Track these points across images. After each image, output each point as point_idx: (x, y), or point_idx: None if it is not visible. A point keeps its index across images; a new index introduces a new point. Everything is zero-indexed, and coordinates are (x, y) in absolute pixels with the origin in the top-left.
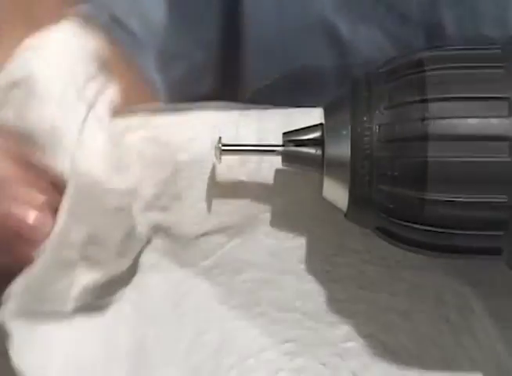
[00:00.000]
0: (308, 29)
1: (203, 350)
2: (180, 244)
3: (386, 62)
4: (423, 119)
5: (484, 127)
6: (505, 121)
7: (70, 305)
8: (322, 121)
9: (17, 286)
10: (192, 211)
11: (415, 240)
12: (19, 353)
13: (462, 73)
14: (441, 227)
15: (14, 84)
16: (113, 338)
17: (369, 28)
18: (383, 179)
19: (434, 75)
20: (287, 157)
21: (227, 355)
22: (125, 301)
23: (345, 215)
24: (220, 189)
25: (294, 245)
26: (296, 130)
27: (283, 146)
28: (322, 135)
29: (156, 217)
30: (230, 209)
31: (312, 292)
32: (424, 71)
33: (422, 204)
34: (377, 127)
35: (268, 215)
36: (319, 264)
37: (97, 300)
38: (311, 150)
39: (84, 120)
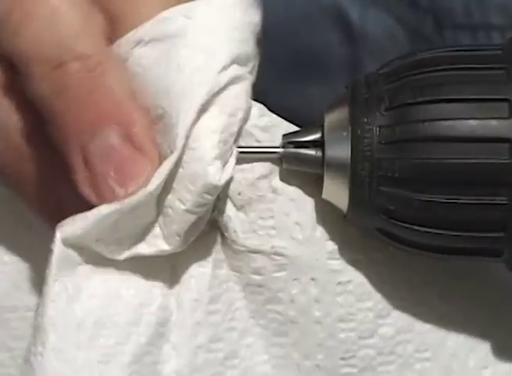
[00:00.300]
0: (317, 14)
1: (212, 354)
2: (233, 248)
3: (386, 63)
4: (424, 121)
5: (484, 128)
6: (505, 123)
7: (123, 256)
8: (323, 122)
9: (94, 214)
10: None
11: (415, 241)
12: (54, 278)
13: (462, 74)
14: (442, 229)
15: (164, 36)
16: (143, 303)
17: (379, 14)
18: (383, 181)
19: (434, 76)
20: (287, 159)
21: (231, 367)
22: (165, 276)
23: (345, 217)
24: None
25: None
26: (296, 131)
27: (283, 147)
28: (323, 136)
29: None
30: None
31: None
32: (424, 72)
33: (422, 205)
34: (377, 128)
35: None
36: None
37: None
38: (312, 152)
39: (215, 95)
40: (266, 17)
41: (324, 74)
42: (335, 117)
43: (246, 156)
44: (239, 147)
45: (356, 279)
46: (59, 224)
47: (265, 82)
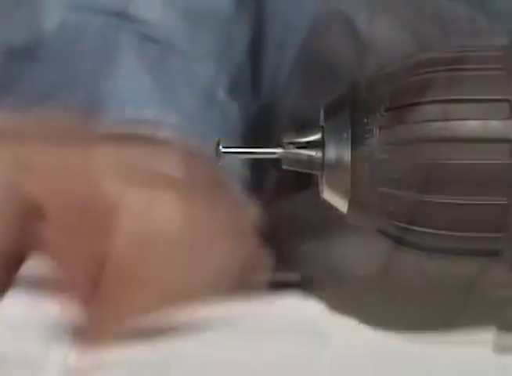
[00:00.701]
0: (325, 22)
1: None
2: None
3: (386, 64)
4: (424, 121)
5: (484, 129)
6: (505, 123)
7: None
8: (322, 123)
9: None
10: None
11: (415, 242)
12: None
13: (462, 75)
14: (442, 229)
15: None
16: None
17: (385, 20)
18: (383, 182)
19: (435, 77)
20: (287, 160)
21: None
22: None
23: (345, 218)
24: None
25: None
26: (296, 132)
27: (283, 148)
28: (323, 137)
29: None
30: None
31: None
32: (424, 73)
33: (423, 206)
34: (378, 129)
35: None
36: None
37: None
38: (312, 153)
39: None
40: (274, 26)
41: (332, 83)
42: (335, 117)
43: (247, 156)
44: (239, 147)
45: None
46: None
47: (274, 90)
